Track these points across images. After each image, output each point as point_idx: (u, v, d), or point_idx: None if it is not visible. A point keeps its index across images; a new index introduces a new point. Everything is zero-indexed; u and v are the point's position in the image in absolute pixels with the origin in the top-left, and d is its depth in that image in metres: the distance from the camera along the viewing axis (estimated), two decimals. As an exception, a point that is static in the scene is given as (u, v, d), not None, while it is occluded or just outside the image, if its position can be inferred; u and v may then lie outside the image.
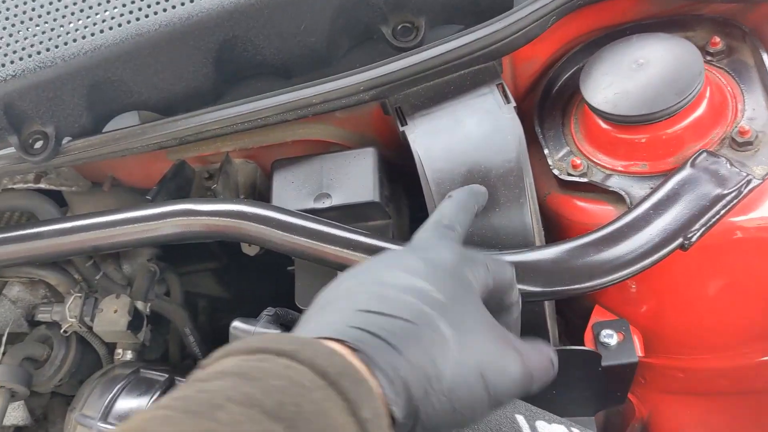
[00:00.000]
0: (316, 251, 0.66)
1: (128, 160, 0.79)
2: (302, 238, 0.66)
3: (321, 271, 0.70)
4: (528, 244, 0.65)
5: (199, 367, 0.39)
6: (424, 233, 0.56)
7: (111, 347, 0.93)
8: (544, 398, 0.74)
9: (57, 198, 0.90)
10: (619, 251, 0.60)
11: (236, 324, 0.67)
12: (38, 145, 0.73)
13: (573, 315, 0.80)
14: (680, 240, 0.60)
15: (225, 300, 1.17)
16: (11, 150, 0.74)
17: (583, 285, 0.60)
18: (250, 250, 0.78)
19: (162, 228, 0.70)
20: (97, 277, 0.87)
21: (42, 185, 0.86)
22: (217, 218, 0.69)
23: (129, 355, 0.90)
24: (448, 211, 0.58)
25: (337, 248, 0.65)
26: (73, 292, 0.85)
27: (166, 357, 1.06)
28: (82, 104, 0.72)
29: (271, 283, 0.88)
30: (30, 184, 0.86)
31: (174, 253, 0.96)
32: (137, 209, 0.72)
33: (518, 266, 0.61)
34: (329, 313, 0.44)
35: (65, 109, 0.72)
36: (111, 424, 0.77)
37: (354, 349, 0.39)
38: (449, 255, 0.49)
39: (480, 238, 0.66)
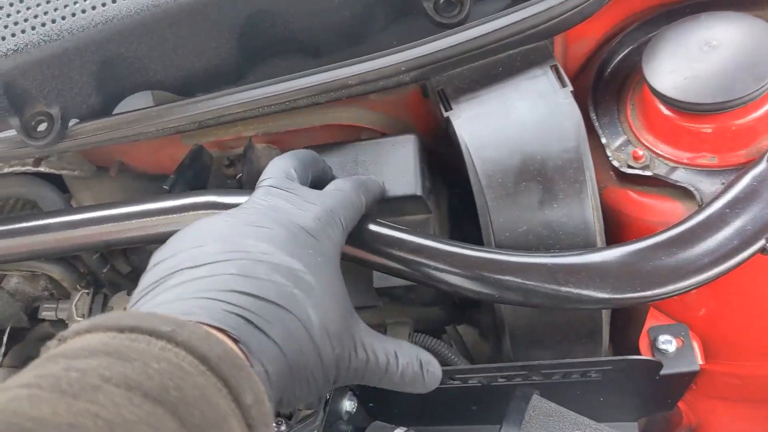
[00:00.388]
0: (352, 252, 0.60)
1: (138, 144, 0.72)
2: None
3: (355, 271, 0.64)
4: (589, 245, 0.59)
5: (57, 340, 0.35)
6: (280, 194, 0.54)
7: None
8: (590, 403, 0.69)
9: (58, 183, 0.84)
10: (694, 254, 0.55)
11: None
12: (42, 127, 0.66)
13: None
14: (762, 242, 0.54)
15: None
16: (12, 133, 0.67)
17: (655, 291, 0.54)
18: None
19: (182, 222, 0.62)
20: (105, 271, 0.80)
21: (42, 169, 0.79)
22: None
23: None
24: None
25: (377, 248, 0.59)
26: (79, 287, 0.78)
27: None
28: (91, 83, 0.65)
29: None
30: (29, 168, 0.79)
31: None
32: (154, 201, 0.64)
33: (580, 269, 0.56)
34: (198, 282, 0.42)
35: (72, 88, 0.65)
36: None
37: (234, 339, 0.39)
38: (313, 224, 0.50)
39: (535, 236, 0.60)
